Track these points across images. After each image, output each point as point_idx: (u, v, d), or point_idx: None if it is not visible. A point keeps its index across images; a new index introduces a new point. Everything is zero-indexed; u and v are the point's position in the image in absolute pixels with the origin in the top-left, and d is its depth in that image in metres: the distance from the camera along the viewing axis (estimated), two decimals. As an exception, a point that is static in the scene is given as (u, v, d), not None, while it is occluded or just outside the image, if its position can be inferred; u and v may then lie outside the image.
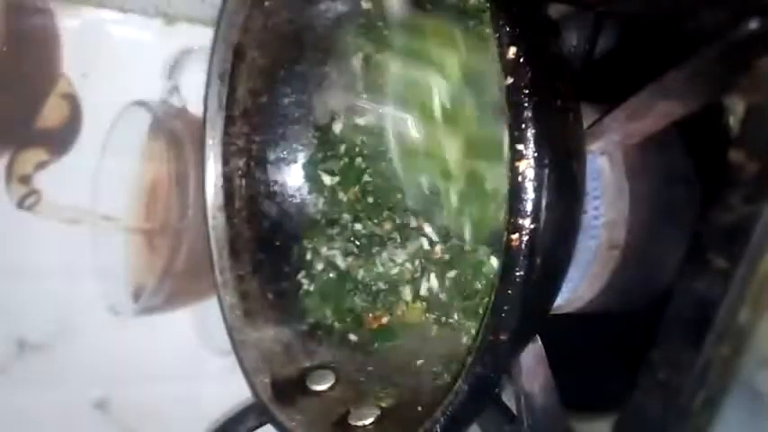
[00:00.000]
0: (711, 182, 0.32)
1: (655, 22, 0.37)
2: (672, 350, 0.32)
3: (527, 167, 0.25)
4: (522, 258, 0.25)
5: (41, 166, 0.48)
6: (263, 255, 0.44)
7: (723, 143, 0.33)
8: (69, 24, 0.47)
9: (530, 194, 0.25)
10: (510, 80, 0.25)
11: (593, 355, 0.40)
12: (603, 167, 0.34)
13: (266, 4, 0.41)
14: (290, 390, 0.40)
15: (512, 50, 0.25)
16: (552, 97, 0.26)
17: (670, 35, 0.34)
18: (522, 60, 0.25)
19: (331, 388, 0.40)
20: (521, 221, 0.25)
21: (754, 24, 0.26)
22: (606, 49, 0.40)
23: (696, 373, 0.31)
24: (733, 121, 0.35)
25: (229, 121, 0.43)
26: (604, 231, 0.34)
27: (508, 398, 0.32)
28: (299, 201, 0.45)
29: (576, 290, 0.35)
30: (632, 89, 0.30)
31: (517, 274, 0.25)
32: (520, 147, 0.25)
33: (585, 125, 0.32)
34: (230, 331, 0.42)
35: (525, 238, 0.25)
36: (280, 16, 0.42)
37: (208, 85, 0.42)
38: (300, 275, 0.44)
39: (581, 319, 0.38)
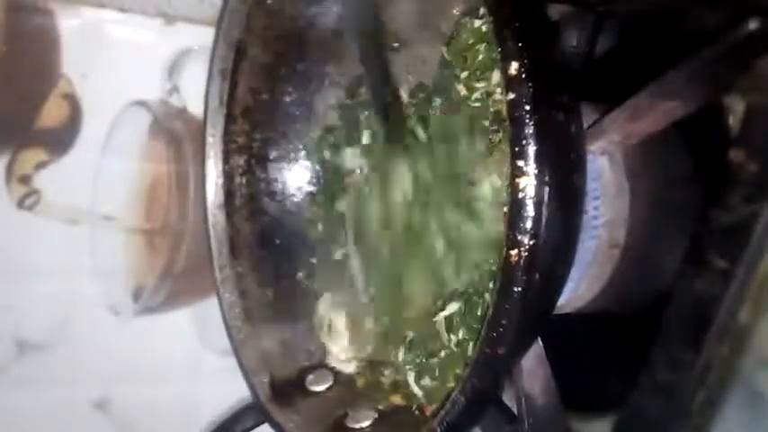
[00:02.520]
0: (711, 182, 0.32)
1: (655, 22, 0.37)
2: (672, 350, 0.32)
3: (527, 184, 0.25)
4: (520, 275, 0.25)
5: (41, 166, 0.48)
6: (263, 253, 0.44)
7: (723, 143, 0.33)
8: (69, 24, 0.47)
9: (530, 211, 0.25)
10: (511, 96, 0.25)
11: (593, 355, 0.40)
12: (603, 167, 0.34)
13: (268, 1, 0.41)
14: (288, 390, 0.40)
15: (514, 66, 0.25)
16: (554, 111, 0.26)
17: (670, 35, 0.34)
18: (523, 76, 0.25)
19: (329, 388, 0.40)
20: (520, 238, 0.25)
21: (754, 24, 0.26)
22: (606, 49, 0.40)
23: (696, 373, 0.31)
24: (733, 121, 0.35)
25: (230, 118, 0.43)
26: (604, 231, 0.34)
27: (509, 398, 0.32)
28: (299, 199, 0.45)
29: (576, 290, 0.35)
30: (632, 89, 0.30)
31: (515, 289, 0.25)
32: (520, 163, 0.25)
33: (585, 125, 0.32)
34: (229, 330, 0.42)
35: (524, 255, 0.25)
36: (282, 14, 0.42)
37: (209, 83, 0.42)
38: (300, 274, 0.44)
39: (581, 319, 0.38)
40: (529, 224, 0.25)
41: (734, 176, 0.30)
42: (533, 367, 0.30)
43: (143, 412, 0.53)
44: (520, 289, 0.25)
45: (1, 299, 0.49)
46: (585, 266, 0.34)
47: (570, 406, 0.31)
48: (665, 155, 0.37)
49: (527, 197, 0.25)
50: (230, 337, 0.41)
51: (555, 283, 0.27)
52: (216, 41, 0.41)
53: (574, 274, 0.34)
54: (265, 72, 0.43)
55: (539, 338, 0.30)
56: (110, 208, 0.50)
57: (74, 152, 0.49)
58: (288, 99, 0.44)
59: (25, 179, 0.48)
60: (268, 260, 0.44)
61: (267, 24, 0.41)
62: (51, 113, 0.48)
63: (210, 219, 0.43)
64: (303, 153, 0.45)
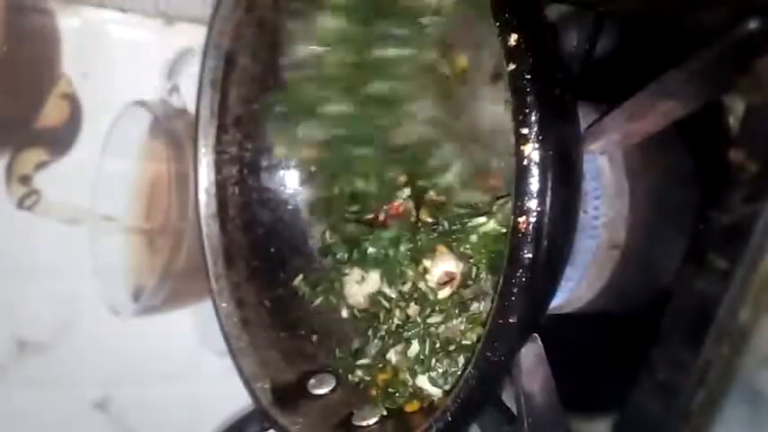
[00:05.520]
0: (711, 182, 0.32)
1: (655, 22, 0.37)
2: (672, 350, 0.32)
3: (532, 150, 0.25)
4: (529, 240, 0.25)
5: (41, 166, 0.48)
6: (258, 262, 0.44)
7: (723, 143, 0.33)
8: (69, 24, 0.47)
9: (536, 177, 0.25)
10: (512, 66, 0.26)
11: (593, 355, 0.40)
12: (603, 167, 0.34)
13: (257, 11, 0.41)
14: (290, 394, 0.40)
15: (513, 37, 0.26)
16: (552, 84, 0.26)
17: (670, 35, 0.34)
18: (523, 47, 0.26)
19: (332, 391, 0.40)
20: (528, 204, 0.25)
21: (754, 24, 0.26)
22: (606, 49, 0.40)
23: (696, 373, 0.31)
24: (733, 121, 0.35)
25: (222, 128, 0.43)
26: (604, 231, 0.34)
27: (508, 398, 0.32)
28: (292, 207, 0.45)
29: (576, 289, 0.35)
30: (632, 89, 0.30)
31: (525, 256, 0.25)
32: (524, 131, 0.25)
33: (585, 125, 0.32)
34: (227, 338, 0.42)
35: (533, 220, 0.25)
36: (271, 23, 0.42)
37: (199, 94, 0.42)
38: (297, 281, 0.44)
39: (581, 319, 0.38)
40: (535, 189, 0.25)
41: (734, 176, 0.30)
42: (533, 367, 0.30)
43: (143, 412, 0.53)
44: (530, 255, 0.25)
45: (1, 299, 0.49)
46: (585, 266, 0.34)
47: (570, 406, 0.31)
48: (665, 155, 0.37)
49: (532, 163, 0.25)
50: (228, 345, 0.41)
51: (561, 249, 0.27)
52: (205, 52, 0.41)
53: (574, 273, 0.34)
54: (256, 81, 0.43)
55: (538, 338, 0.30)
56: (110, 208, 0.50)
57: (74, 152, 0.49)
58: (279, 108, 0.44)
59: (25, 179, 0.48)
60: (264, 269, 0.44)
61: (256, 34, 0.41)
62: (51, 113, 0.48)
63: (204, 229, 0.43)
64: (295, 161, 0.45)
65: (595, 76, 0.39)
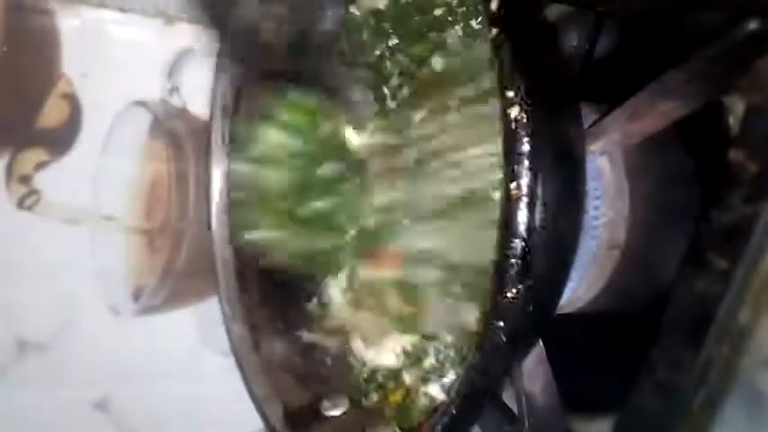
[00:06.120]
0: (711, 182, 0.32)
1: (655, 22, 0.37)
2: (672, 350, 0.32)
3: (518, 113, 0.25)
4: (525, 205, 0.25)
5: (41, 166, 0.48)
6: (272, 285, 0.44)
7: (723, 143, 0.33)
8: (69, 24, 0.47)
9: (525, 139, 0.24)
10: (494, 31, 0.25)
11: (593, 355, 0.40)
12: (603, 167, 0.34)
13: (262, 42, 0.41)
14: (303, 416, 0.40)
15: (494, 2, 0.26)
16: (536, 46, 0.26)
17: (670, 35, 0.34)
18: (503, 12, 0.25)
19: (345, 413, 0.40)
20: (517, 169, 0.25)
21: (754, 24, 0.26)
22: (606, 49, 0.40)
23: (696, 373, 0.31)
24: (733, 121, 0.35)
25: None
26: (604, 231, 0.34)
27: (509, 398, 0.32)
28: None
29: (577, 290, 0.35)
30: (632, 89, 0.30)
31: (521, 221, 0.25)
32: (510, 94, 0.25)
33: (585, 125, 0.32)
34: (240, 362, 0.42)
35: (525, 187, 0.25)
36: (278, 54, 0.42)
37: (212, 118, 0.43)
38: (310, 303, 0.44)
39: (581, 319, 0.38)
40: (525, 150, 0.24)
41: (734, 176, 0.30)
42: (533, 367, 0.30)
43: (143, 412, 0.53)
44: (527, 212, 0.25)
45: (1, 299, 0.49)
46: (586, 266, 0.34)
47: (570, 406, 0.31)
48: (665, 155, 0.37)
49: (519, 128, 0.25)
50: (241, 368, 0.42)
51: (565, 257, 0.27)
52: (216, 78, 0.43)
53: (574, 273, 0.34)
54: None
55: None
56: (110, 208, 0.50)
57: (74, 152, 0.49)
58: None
59: (25, 179, 0.48)
60: (277, 292, 0.44)
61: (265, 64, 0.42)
62: (51, 113, 0.48)
63: (219, 254, 0.43)
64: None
65: (595, 76, 0.39)
